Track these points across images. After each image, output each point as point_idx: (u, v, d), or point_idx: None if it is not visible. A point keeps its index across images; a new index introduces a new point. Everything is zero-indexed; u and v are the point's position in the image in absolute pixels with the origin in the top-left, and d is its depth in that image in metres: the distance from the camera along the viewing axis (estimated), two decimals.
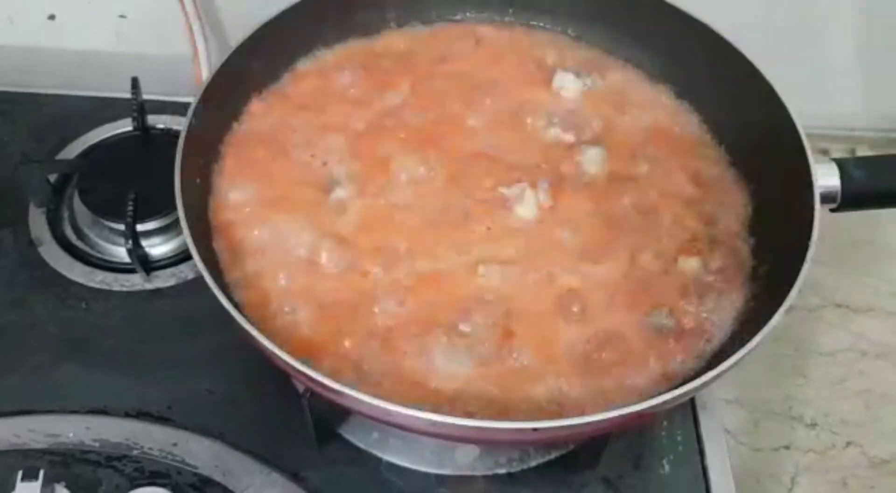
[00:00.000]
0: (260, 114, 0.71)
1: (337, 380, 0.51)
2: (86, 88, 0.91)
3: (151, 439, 0.67)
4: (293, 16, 0.70)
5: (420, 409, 0.50)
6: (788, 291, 0.55)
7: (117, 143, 0.85)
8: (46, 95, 0.91)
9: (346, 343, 0.59)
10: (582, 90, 0.73)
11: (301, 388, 0.62)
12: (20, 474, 0.61)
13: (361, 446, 0.68)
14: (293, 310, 0.60)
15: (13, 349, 0.73)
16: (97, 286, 0.77)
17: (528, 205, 0.65)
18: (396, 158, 0.68)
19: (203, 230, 0.63)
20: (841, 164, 0.63)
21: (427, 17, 0.78)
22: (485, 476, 0.67)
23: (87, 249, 0.79)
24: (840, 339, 0.84)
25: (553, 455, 0.68)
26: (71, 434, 0.67)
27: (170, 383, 0.71)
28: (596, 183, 0.68)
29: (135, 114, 0.84)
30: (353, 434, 0.68)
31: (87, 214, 0.78)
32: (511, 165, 0.68)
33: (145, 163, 0.80)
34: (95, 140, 0.86)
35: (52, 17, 0.94)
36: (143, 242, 0.77)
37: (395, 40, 0.77)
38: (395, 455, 0.68)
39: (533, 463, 0.68)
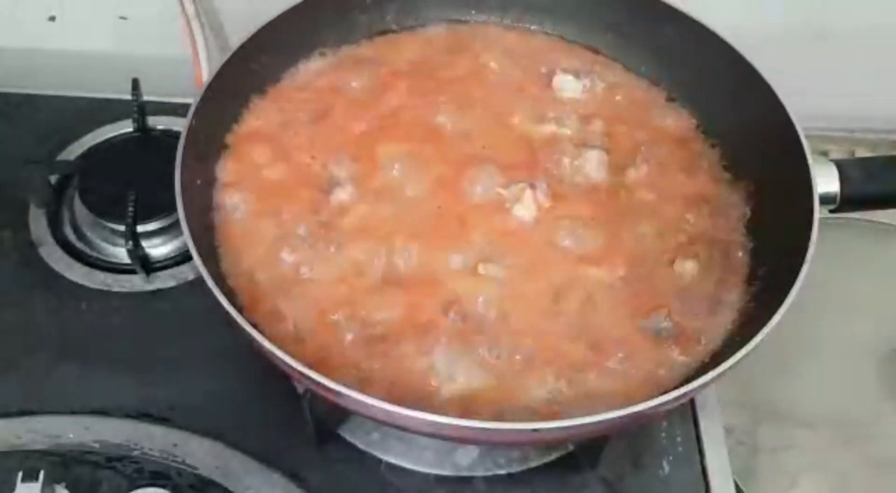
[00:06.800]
0: (260, 115, 0.71)
1: (337, 381, 0.51)
2: (86, 90, 0.91)
3: (152, 439, 0.67)
4: (293, 17, 0.71)
5: (420, 410, 0.50)
6: (788, 291, 0.55)
7: (118, 144, 0.85)
8: (47, 97, 0.91)
9: (346, 344, 0.59)
10: (581, 92, 0.73)
11: (301, 389, 0.62)
12: (20, 475, 0.62)
13: (361, 446, 0.68)
14: (293, 311, 0.60)
15: (13, 350, 0.73)
16: (97, 287, 0.77)
17: (526, 206, 0.65)
18: (396, 160, 0.68)
19: (203, 231, 0.63)
20: (840, 165, 0.63)
21: (426, 19, 0.78)
22: (484, 477, 0.67)
23: (87, 250, 0.79)
24: (840, 338, 0.84)
25: (553, 456, 0.68)
26: (71, 435, 0.67)
27: (170, 384, 0.71)
28: (595, 185, 0.68)
29: (135, 115, 0.84)
30: (353, 435, 0.68)
31: (88, 215, 0.79)
32: (510, 166, 0.68)
33: (146, 164, 0.79)
34: (96, 141, 0.86)
35: (52, 19, 0.94)
36: (144, 243, 0.77)
37: (394, 42, 0.77)
38: (394, 456, 0.68)
39: (532, 464, 0.68)
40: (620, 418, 0.51)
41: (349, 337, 0.59)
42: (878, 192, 0.64)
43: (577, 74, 0.74)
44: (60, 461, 0.65)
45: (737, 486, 0.68)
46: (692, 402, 0.71)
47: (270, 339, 0.53)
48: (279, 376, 0.57)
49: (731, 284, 0.63)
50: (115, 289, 0.77)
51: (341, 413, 0.67)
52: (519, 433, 0.52)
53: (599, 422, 0.51)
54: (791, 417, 0.81)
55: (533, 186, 0.66)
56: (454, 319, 0.60)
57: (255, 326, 0.55)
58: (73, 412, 0.69)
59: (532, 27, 0.79)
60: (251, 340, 0.53)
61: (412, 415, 0.50)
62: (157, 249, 0.79)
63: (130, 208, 0.75)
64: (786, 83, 0.64)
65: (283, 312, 0.60)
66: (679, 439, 0.70)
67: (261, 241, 0.64)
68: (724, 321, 0.61)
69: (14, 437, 0.67)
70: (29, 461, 0.65)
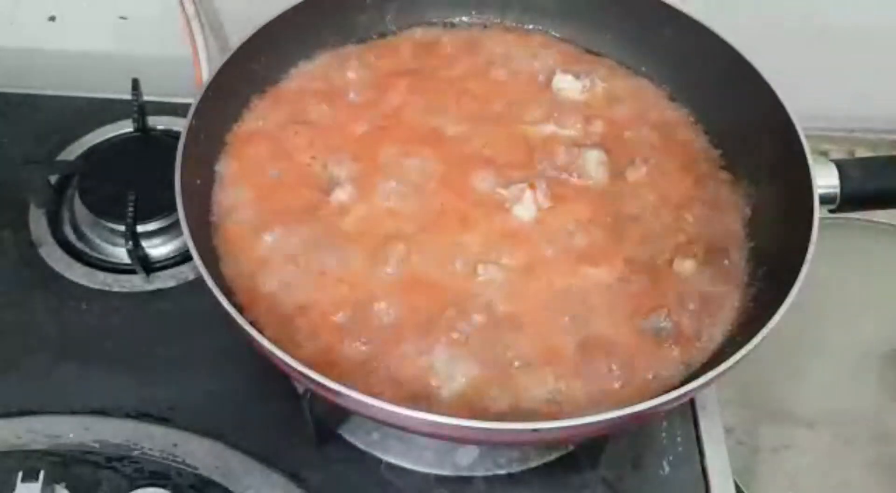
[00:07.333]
0: (260, 115, 0.71)
1: (337, 381, 0.51)
2: (86, 90, 0.91)
3: (152, 439, 0.67)
4: (293, 17, 0.71)
5: (420, 410, 0.50)
6: (788, 291, 0.55)
7: (118, 144, 0.85)
8: (47, 97, 0.91)
9: (346, 344, 0.59)
10: (581, 92, 0.73)
11: (301, 389, 0.62)
12: (20, 475, 0.62)
13: (361, 446, 0.68)
14: (293, 311, 0.60)
15: (13, 349, 0.73)
16: (97, 287, 0.77)
17: (526, 206, 0.65)
18: (396, 160, 0.68)
19: (203, 231, 0.63)
20: (840, 165, 0.63)
21: (426, 20, 0.78)
22: (484, 477, 0.67)
23: (87, 250, 0.79)
24: (841, 339, 0.84)
25: (553, 456, 0.68)
26: (71, 435, 0.67)
27: (170, 384, 0.71)
28: (594, 185, 0.68)
29: (135, 115, 0.84)
30: (353, 435, 0.68)
31: (88, 215, 0.79)
32: (510, 166, 0.68)
33: (146, 164, 0.80)
34: (96, 141, 0.86)
35: (52, 19, 0.94)
36: (144, 243, 0.77)
37: (394, 42, 0.77)
38: (395, 456, 0.68)
39: (533, 464, 0.68)
40: (620, 418, 0.51)
41: (349, 337, 0.59)
42: (878, 192, 0.64)
43: (576, 74, 0.74)
44: (60, 461, 0.66)
45: (737, 486, 0.68)
46: (692, 402, 0.71)
47: (270, 339, 0.53)
48: (279, 376, 0.58)
49: (731, 284, 0.63)
50: (115, 289, 0.77)
51: (341, 413, 0.67)
52: (519, 433, 0.52)
53: (599, 422, 0.51)
54: (791, 417, 0.81)
55: (533, 187, 0.66)
56: (454, 319, 0.60)
57: (254, 326, 0.55)
58: (73, 412, 0.69)
59: (532, 27, 0.79)
60: (251, 340, 0.53)
61: (412, 415, 0.50)
62: (157, 249, 0.79)
63: (130, 208, 0.75)
64: (786, 83, 0.64)
65: (283, 312, 0.60)
66: (679, 439, 0.70)
67: (261, 241, 0.63)
68: (724, 321, 0.61)
69: (14, 437, 0.67)
70: (29, 461, 0.65)
